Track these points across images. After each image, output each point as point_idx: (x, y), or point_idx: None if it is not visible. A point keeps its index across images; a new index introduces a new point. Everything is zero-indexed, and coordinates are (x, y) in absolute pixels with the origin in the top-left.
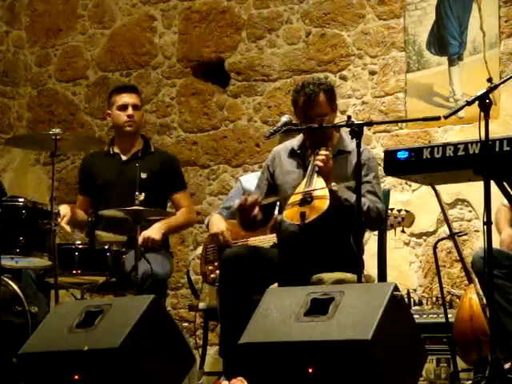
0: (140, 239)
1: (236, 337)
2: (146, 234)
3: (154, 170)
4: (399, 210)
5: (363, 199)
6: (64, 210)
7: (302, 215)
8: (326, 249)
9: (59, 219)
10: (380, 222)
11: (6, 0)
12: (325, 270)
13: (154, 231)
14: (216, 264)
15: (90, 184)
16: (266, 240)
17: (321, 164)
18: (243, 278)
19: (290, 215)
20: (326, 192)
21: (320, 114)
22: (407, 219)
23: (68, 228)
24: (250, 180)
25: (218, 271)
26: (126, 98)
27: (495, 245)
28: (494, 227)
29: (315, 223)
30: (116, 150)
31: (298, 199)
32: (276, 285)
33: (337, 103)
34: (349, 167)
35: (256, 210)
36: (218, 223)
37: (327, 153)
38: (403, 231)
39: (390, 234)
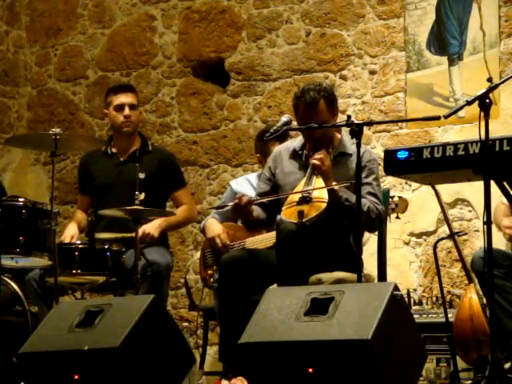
0: (140, 232)
1: (235, 339)
2: (145, 229)
3: (152, 169)
4: (392, 197)
5: (363, 200)
6: (72, 231)
7: (300, 214)
8: (325, 248)
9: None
10: (380, 223)
11: (6, 0)
12: (324, 270)
13: (153, 227)
14: (215, 268)
15: (89, 184)
16: (264, 240)
17: (318, 163)
18: (242, 282)
19: (288, 214)
20: (324, 192)
21: (321, 121)
22: (400, 205)
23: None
24: (241, 183)
25: (217, 275)
26: (123, 98)
27: (495, 245)
28: (494, 227)
29: (314, 223)
30: (114, 149)
31: (297, 198)
32: (275, 286)
33: (338, 107)
34: (349, 169)
35: (252, 208)
36: (214, 227)
37: (324, 152)
38: (398, 217)
39: (389, 233)
